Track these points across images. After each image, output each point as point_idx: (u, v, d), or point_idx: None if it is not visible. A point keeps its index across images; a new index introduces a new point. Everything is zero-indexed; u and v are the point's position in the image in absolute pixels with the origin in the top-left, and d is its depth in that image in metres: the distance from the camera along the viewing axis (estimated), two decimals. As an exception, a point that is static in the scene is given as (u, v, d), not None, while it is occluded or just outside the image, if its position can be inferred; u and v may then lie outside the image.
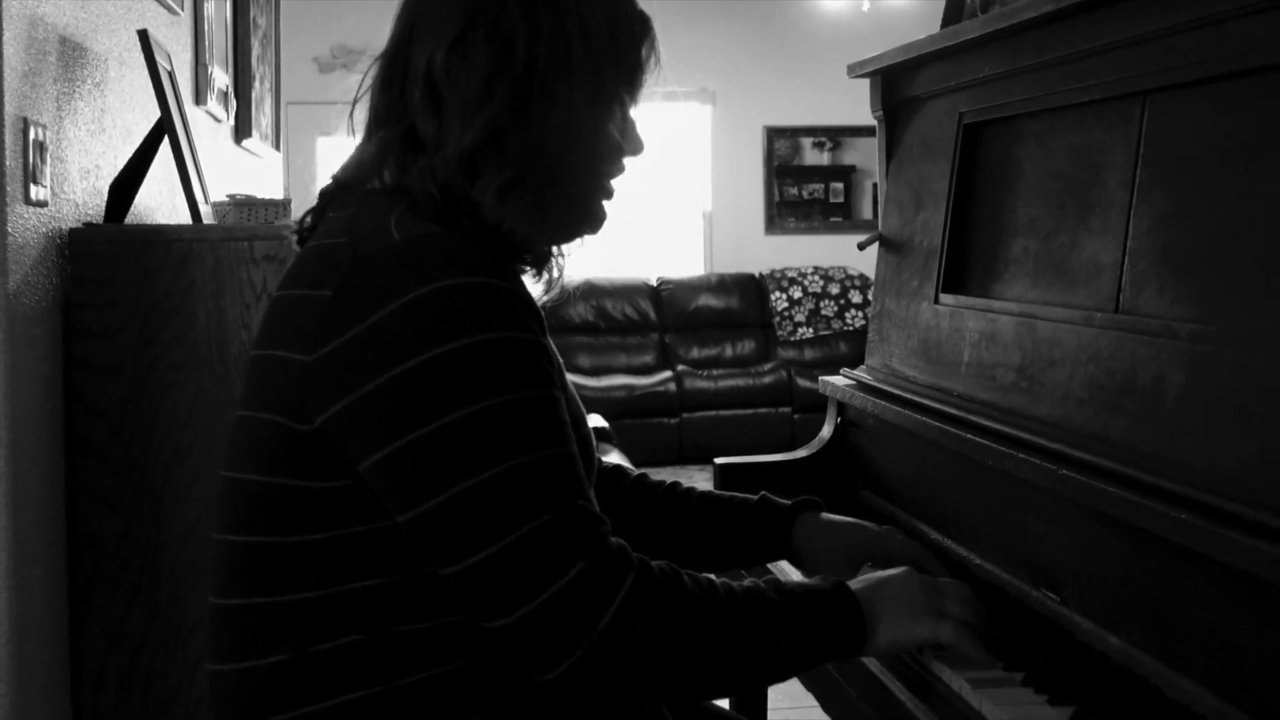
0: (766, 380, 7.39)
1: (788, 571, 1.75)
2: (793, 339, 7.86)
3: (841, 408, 2.12)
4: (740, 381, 7.36)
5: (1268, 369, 1.17)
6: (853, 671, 1.50)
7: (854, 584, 1.28)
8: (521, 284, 1.21)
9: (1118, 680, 1.26)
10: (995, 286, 1.76)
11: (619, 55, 1.27)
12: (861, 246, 2.16)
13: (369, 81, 1.29)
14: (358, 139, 1.32)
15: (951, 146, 1.89)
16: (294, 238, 1.34)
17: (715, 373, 7.43)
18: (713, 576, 1.20)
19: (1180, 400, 1.27)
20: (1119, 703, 1.21)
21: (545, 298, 1.36)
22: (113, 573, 2.23)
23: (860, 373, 2.10)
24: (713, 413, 7.26)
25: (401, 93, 1.25)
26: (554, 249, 1.36)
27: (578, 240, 1.36)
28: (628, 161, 1.32)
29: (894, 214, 2.09)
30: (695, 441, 7.20)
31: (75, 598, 2.21)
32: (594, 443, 1.34)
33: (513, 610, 1.10)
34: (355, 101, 1.29)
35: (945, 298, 1.86)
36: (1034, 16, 1.58)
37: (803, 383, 7.36)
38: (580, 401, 1.37)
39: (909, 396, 1.84)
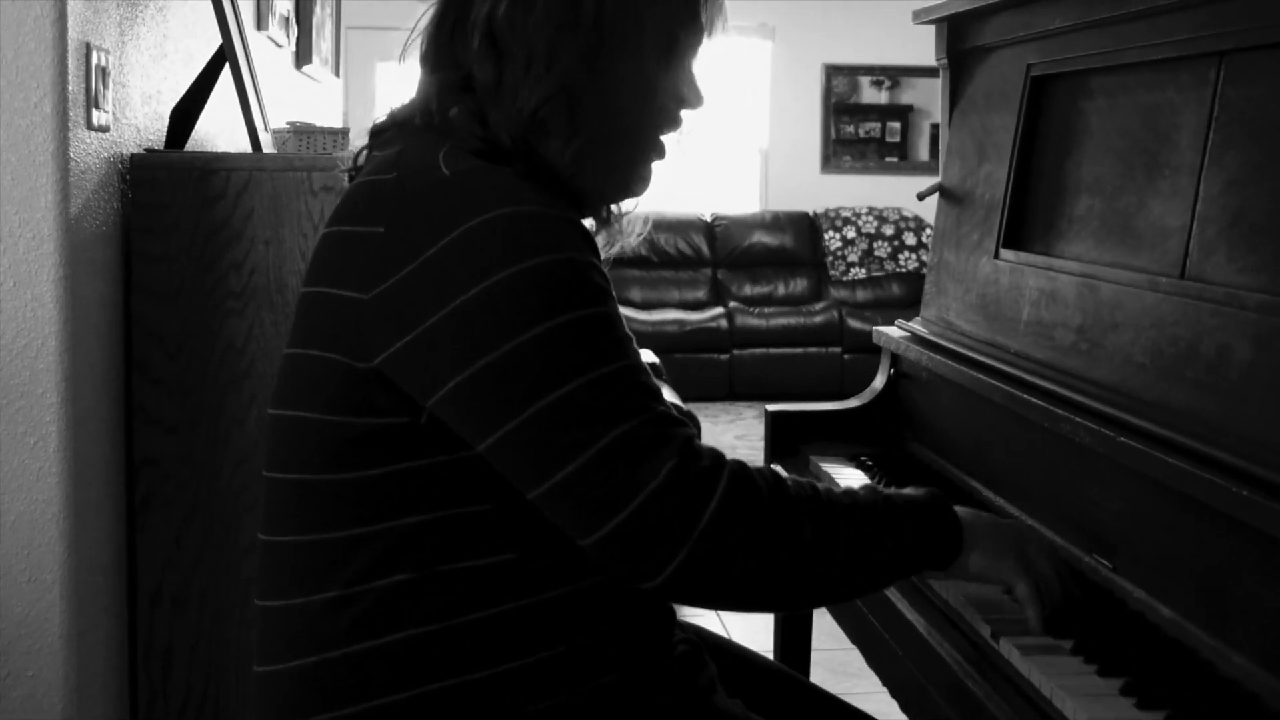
0: (818, 320, 7.36)
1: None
2: (845, 279, 7.81)
3: (895, 359, 2.11)
4: (791, 320, 7.33)
5: (1337, 344, 1.14)
6: (899, 630, 1.50)
7: (956, 507, 1.27)
8: (572, 212, 1.20)
9: (1168, 652, 1.26)
10: (1058, 244, 1.73)
11: (688, 10, 1.25)
12: (921, 197, 2.14)
13: (425, 21, 1.27)
14: (414, 71, 1.31)
15: (1017, 99, 1.86)
16: (345, 175, 1.33)
17: (767, 310, 7.40)
18: (813, 480, 1.19)
19: (1245, 372, 1.25)
20: (1169, 676, 1.20)
21: (606, 251, 1.34)
22: (169, 493, 2.26)
23: (915, 324, 2.08)
24: (763, 350, 7.24)
25: (451, 38, 1.24)
26: (608, 208, 1.35)
27: (630, 201, 1.34)
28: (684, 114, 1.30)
29: (955, 165, 2.06)
30: (745, 378, 7.19)
31: (132, 517, 2.25)
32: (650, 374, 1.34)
33: (607, 521, 1.09)
34: (409, 38, 1.28)
35: (1006, 253, 1.83)
36: (1111, -30, 1.55)
37: (854, 323, 7.32)
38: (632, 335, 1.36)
39: (964, 352, 1.83)
